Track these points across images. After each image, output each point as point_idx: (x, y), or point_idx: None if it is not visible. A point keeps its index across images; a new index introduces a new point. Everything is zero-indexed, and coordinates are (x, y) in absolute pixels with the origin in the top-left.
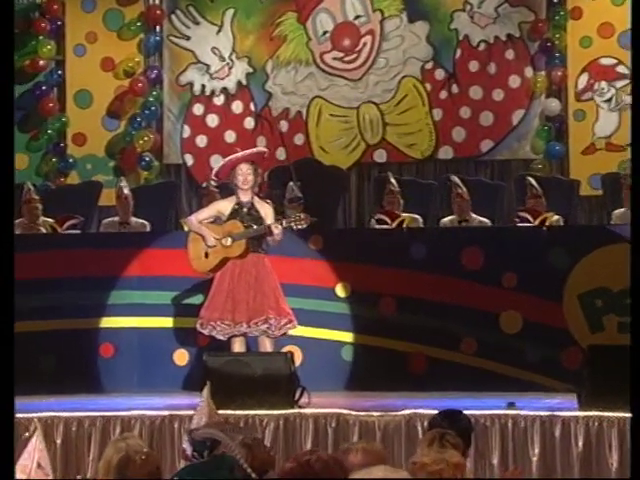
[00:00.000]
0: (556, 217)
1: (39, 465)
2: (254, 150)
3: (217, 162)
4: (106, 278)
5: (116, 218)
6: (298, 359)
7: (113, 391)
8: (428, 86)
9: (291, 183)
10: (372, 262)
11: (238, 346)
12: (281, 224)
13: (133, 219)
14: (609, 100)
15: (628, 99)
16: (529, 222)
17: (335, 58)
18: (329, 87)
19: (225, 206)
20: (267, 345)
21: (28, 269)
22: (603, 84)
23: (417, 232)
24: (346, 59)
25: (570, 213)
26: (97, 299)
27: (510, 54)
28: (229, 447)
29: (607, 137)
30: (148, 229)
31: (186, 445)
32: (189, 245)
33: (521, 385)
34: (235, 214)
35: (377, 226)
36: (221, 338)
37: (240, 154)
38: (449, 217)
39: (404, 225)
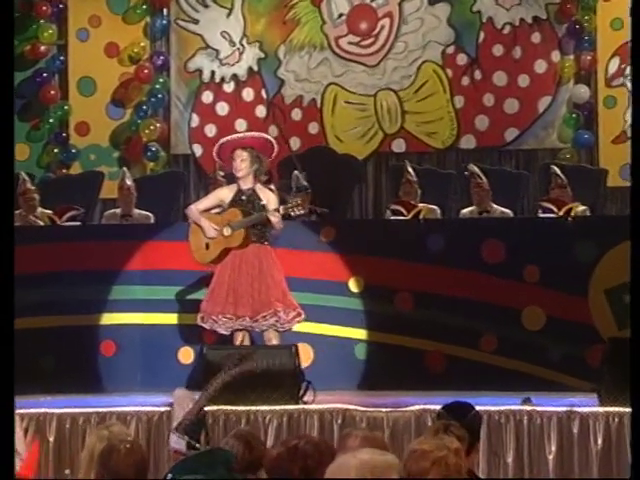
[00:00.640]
0: (582, 207)
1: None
2: (254, 134)
3: None
4: (107, 272)
5: (118, 210)
6: (309, 357)
7: (115, 391)
8: (449, 72)
9: (296, 172)
10: (387, 255)
11: (241, 340)
12: (278, 211)
13: (136, 211)
14: None
15: None
16: (553, 213)
17: (351, 42)
18: (345, 73)
19: (226, 194)
20: (273, 339)
21: (25, 263)
22: None
23: (434, 223)
24: (363, 43)
25: (597, 204)
26: (98, 294)
27: (536, 37)
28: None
29: None
30: (152, 221)
31: (175, 441)
32: (190, 236)
33: (543, 384)
34: (235, 202)
35: (392, 217)
36: (223, 332)
37: (236, 136)
38: (469, 208)
39: (421, 216)
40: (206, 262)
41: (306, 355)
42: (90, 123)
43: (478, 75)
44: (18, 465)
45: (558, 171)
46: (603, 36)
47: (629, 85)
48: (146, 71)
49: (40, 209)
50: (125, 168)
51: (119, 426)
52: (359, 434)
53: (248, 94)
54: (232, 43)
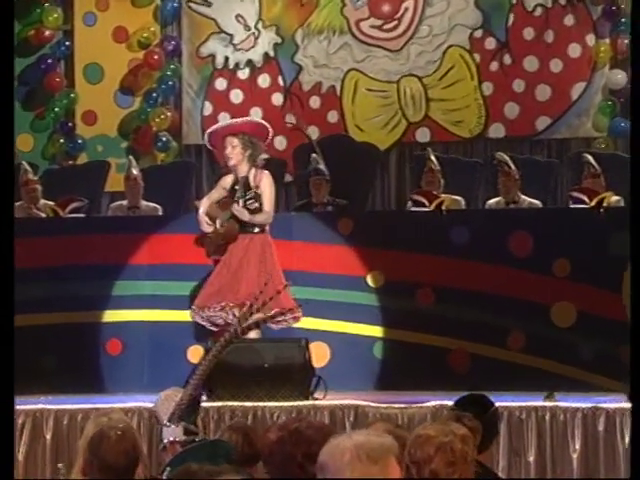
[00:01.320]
0: (615, 197)
1: None
2: (245, 119)
3: None
4: (113, 267)
5: (125, 202)
6: (325, 356)
7: (120, 391)
8: (477, 57)
9: (314, 155)
10: (407, 248)
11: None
12: (237, 202)
13: (143, 202)
14: None
15: None
16: (584, 203)
17: (373, 26)
18: (366, 59)
19: (228, 182)
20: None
21: (26, 256)
22: None
23: (458, 215)
24: (385, 27)
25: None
26: (103, 290)
27: (570, 20)
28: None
29: None
30: (160, 213)
31: (170, 433)
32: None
33: (574, 385)
34: (231, 190)
35: (413, 208)
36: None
37: (226, 122)
38: (495, 199)
39: (443, 207)
40: (215, 258)
41: (322, 354)
42: (97, 112)
43: (508, 60)
44: None
45: (591, 159)
46: None
47: None
48: (156, 57)
49: (43, 201)
50: (131, 157)
51: (119, 414)
52: (378, 426)
53: (264, 81)
54: (247, 27)
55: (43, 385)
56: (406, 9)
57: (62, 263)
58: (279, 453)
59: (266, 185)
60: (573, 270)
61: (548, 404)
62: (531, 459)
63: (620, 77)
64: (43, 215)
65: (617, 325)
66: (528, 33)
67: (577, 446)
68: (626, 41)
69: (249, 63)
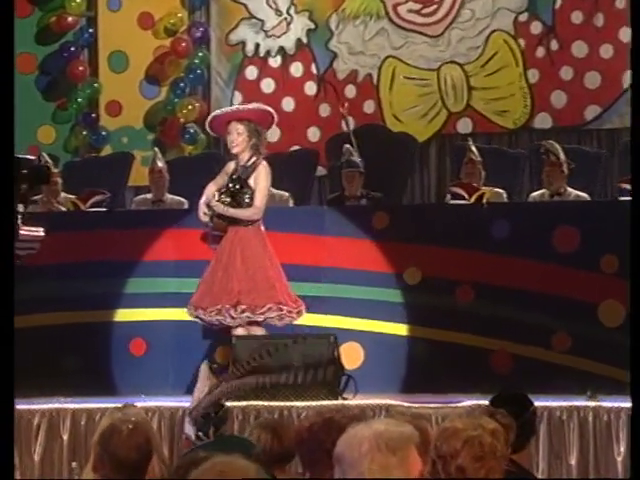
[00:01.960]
0: None
1: None
2: (251, 105)
3: (274, 135)
4: (136, 263)
5: (149, 195)
6: (359, 358)
7: (145, 393)
8: (522, 42)
9: (347, 145)
10: (446, 243)
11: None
12: (216, 194)
13: (168, 196)
14: None
15: None
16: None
17: (411, 10)
18: (404, 45)
19: (231, 168)
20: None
21: (46, 252)
22: None
23: (500, 208)
24: (424, 11)
25: None
26: (125, 287)
27: (621, 2)
28: (238, 388)
29: None
30: (185, 207)
31: (188, 428)
32: None
33: (622, 388)
34: (229, 179)
35: (452, 201)
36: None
37: (232, 108)
38: (539, 191)
39: (484, 200)
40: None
41: (356, 355)
42: (122, 102)
43: (555, 46)
44: None
45: None
46: None
47: None
48: (184, 44)
49: (63, 194)
50: (156, 148)
51: (136, 409)
52: (402, 418)
53: (296, 69)
54: (279, 12)
55: (64, 387)
56: None
57: (83, 259)
58: (310, 440)
59: (261, 178)
60: (621, 267)
61: (591, 404)
62: (573, 462)
63: None
64: (64, 209)
65: None
66: (576, 17)
67: (622, 449)
68: None
69: (281, 50)
